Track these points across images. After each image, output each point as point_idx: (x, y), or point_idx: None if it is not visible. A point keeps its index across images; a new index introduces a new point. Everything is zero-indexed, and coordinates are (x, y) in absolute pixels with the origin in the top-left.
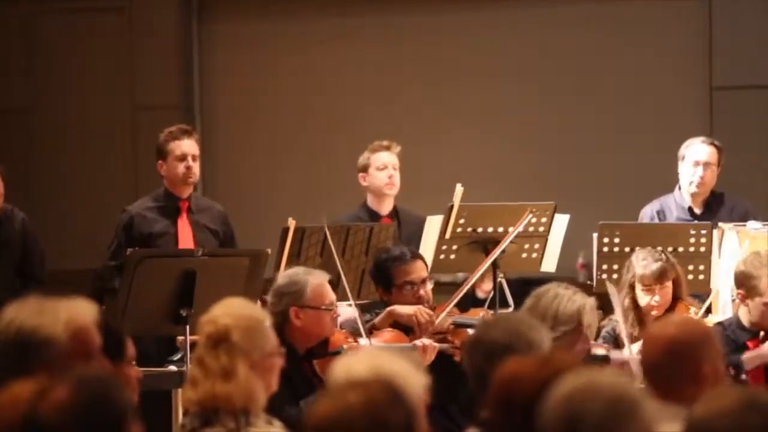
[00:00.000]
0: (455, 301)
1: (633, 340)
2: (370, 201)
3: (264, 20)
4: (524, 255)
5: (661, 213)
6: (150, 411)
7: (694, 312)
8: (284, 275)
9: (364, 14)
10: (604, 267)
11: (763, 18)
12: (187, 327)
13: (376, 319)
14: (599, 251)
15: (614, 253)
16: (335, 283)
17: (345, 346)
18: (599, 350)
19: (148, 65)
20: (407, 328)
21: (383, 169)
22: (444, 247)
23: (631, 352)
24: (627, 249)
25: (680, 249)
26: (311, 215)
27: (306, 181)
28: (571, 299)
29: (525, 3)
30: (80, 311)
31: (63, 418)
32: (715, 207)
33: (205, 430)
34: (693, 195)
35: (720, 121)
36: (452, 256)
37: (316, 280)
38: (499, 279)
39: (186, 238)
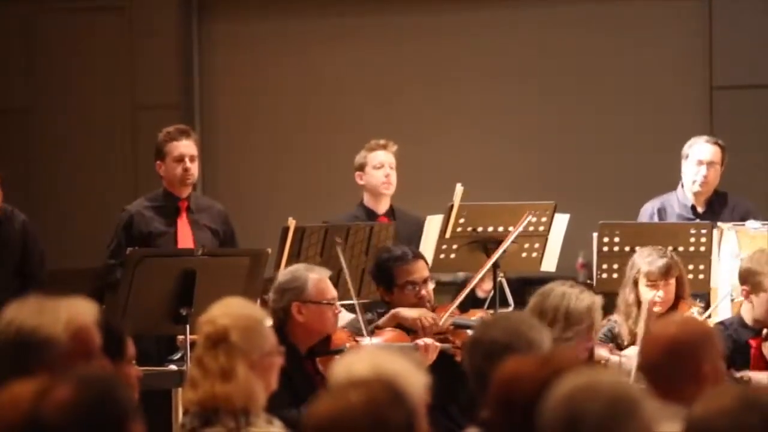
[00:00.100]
0: (457, 302)
1: (634, 337)
2: (367, 200)
3: (264, 20)
4: (524, 254)
5: (662, 210)
6: (150, 410)
7: (698, 312)
8: (285, 272)
9: (364, 14)
10: (604, 266)
11: (763, 18)
12: (187, 326)
13: (380, 321)
14: (599, 251)
15: (614, 252)
16: (335, 280)
17: (347, 345)
18: (602, 350)
19: (148, 65)
20: (409, 328)
21: (380, 168)
22: (444, 247)
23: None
24: (627, 248)
25: (680, 248)
26: (311, 215)
27: (306, 181)
28: (579, 297)
29: (525, 3)
30: (80, 311)
31: (65, 417)
32: (717, 206)
33: (205, 429)
34: (696, 194)
35: (720, 121)
36: (452, 256)
37: (317, 275)
38: (499, 278)
39: (185, 238)
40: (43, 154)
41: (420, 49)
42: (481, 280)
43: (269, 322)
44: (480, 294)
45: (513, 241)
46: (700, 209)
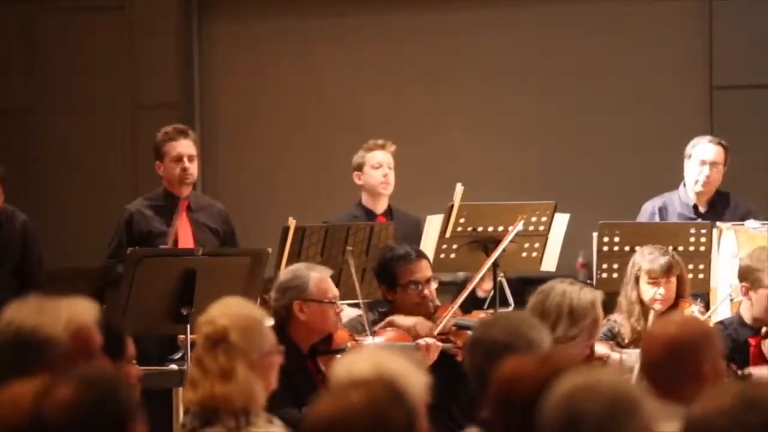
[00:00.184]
0: (458, 303)
1: (638, 335)
2: (365, 200)
3: (264, 20)
4: (524, 254)
5: (663, 209)
6: (151, 409)
7: (699, 311)
8: (287, 271)
9: (363, 14)
10: (604, 266)
11: (763, 18)
12: (188, 326)
13: (376, 328)
14: (599, 250)
15: (614, 252)
16: (336, 280)
17: (349, 344)
18: (603, 347)
19: (148, 65)
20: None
21: (378, 168)
22: (444, 246)
23: None
24: (627, 248)
25: (680, 248)
26: (311, 215)
27: (306, 181)
28: (581, 293)
29: (524, 3)
30: (81, 310)
31: (67, 417)
32: (719, 206)
33: (205, 429)
34: (698, 194)
35: (720, 121)
36: (452, 255)
37: (319, 274)
38: (499, 278)
39: (185, 237)
40: (43, 154)
41: (420, 49)
42: (481, 279)
43: (268, 321)
44: (480, 294)
45: (512, 241)
46: (702, 209)
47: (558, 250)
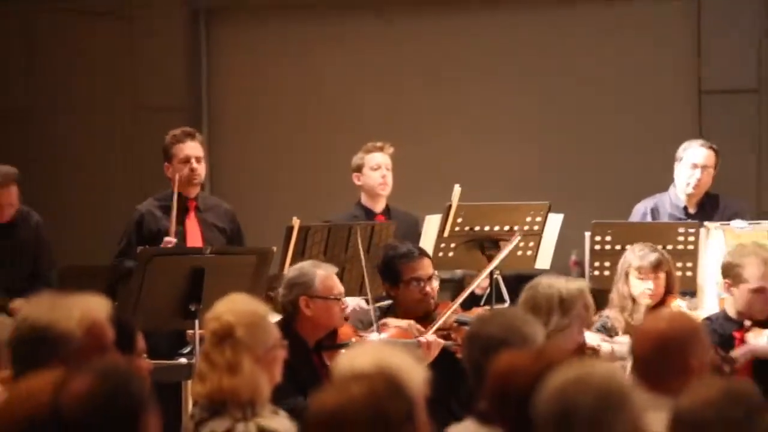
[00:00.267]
0: (458, 302)
1: (630, 328)
2: (364, 200)
3: (268, 24)
4: (519, 252)
5: (655, 210)
6: (161, 401)
7: (686, 306)
8: (294, 268)
9: (364, 15)
10: (597, 264)
11: (752, 23)
12: (197, 321)
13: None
14: (592, 249)
15: (606, 251)
16: (340, 277)
17: (353, 339)
18: (594, 337)
19: (151, 66)
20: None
21: (377, 170)
22: (442, 245)
23: None
24: (618, 247)
25: (669, 247)
26: (312, 214)
27: (306, 181)
28: (567, 283)
29: (523, 4)
30: (93, 307)
31: (84, 408)
32: (708, 208)
33: (213, 420)
34: (689, 196)
35: (708, 124)
36: (450, 254)
37: (325, 272)
38: (495, 276)
39: (194, 236)
40: (43, 154)
41: (420, 50)
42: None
43: (272, 317)
44: (477, 291)
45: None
46: (691, 210)
47: (552, 249)
